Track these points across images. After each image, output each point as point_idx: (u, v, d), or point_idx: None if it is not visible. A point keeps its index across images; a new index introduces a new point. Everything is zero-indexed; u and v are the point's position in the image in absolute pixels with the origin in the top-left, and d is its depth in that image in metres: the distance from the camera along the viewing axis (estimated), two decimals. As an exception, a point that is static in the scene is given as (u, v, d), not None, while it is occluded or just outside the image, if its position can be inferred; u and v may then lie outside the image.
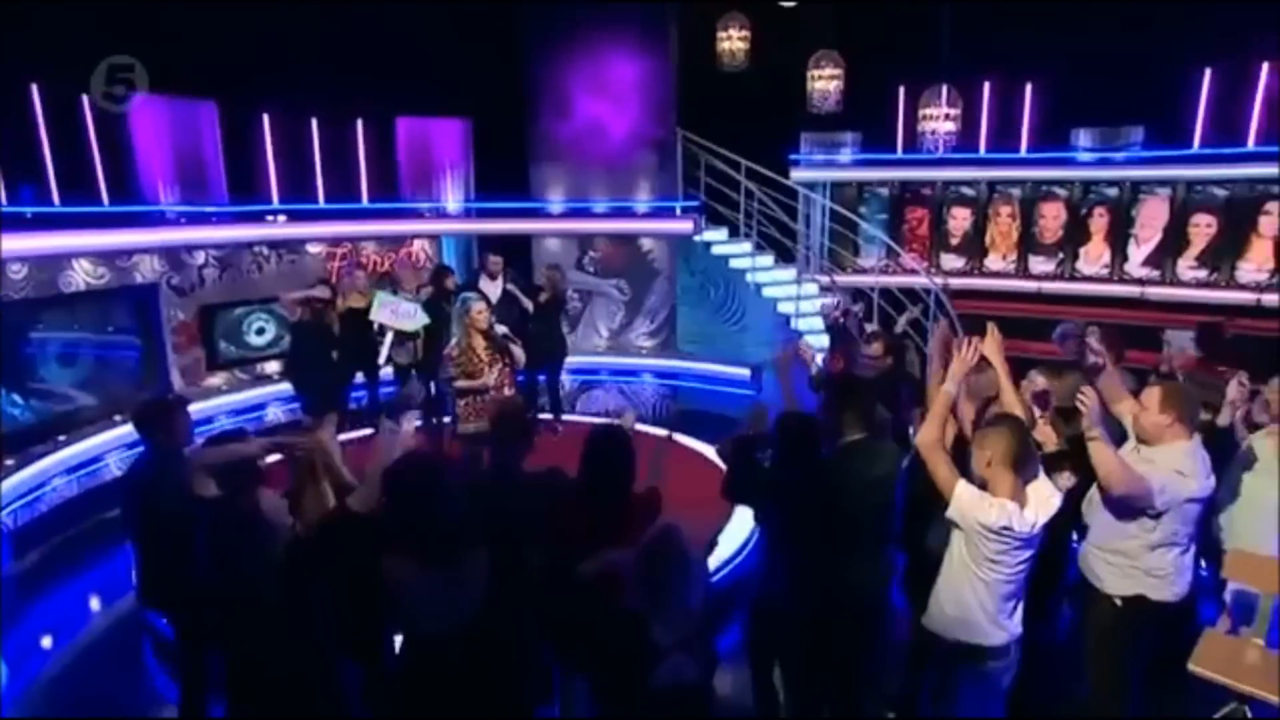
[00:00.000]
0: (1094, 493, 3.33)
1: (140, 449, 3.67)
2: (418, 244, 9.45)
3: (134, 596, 4.77)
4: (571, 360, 7.85)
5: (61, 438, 6.57)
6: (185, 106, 7.41)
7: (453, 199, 9.44)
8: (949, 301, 8.17)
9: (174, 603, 3.58)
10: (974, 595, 2.86)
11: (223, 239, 7.81)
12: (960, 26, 9.43)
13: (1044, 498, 2.86)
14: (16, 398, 6.46)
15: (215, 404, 7.58)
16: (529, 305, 7.28)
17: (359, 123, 8.80)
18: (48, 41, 6.14)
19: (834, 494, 3.10)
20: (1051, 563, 3.39)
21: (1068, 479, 3.42)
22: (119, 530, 5.43)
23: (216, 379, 7.99)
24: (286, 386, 7.25)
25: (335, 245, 8.75)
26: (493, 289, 7.30)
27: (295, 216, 8.27)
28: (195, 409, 4.09)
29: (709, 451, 6.04)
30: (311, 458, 3.06)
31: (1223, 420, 4.01)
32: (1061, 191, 9.30)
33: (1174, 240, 8.80)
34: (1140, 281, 8.99)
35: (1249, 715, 3.33)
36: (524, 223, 9.38)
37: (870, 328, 6.68)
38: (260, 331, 8.29)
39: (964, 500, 2.82)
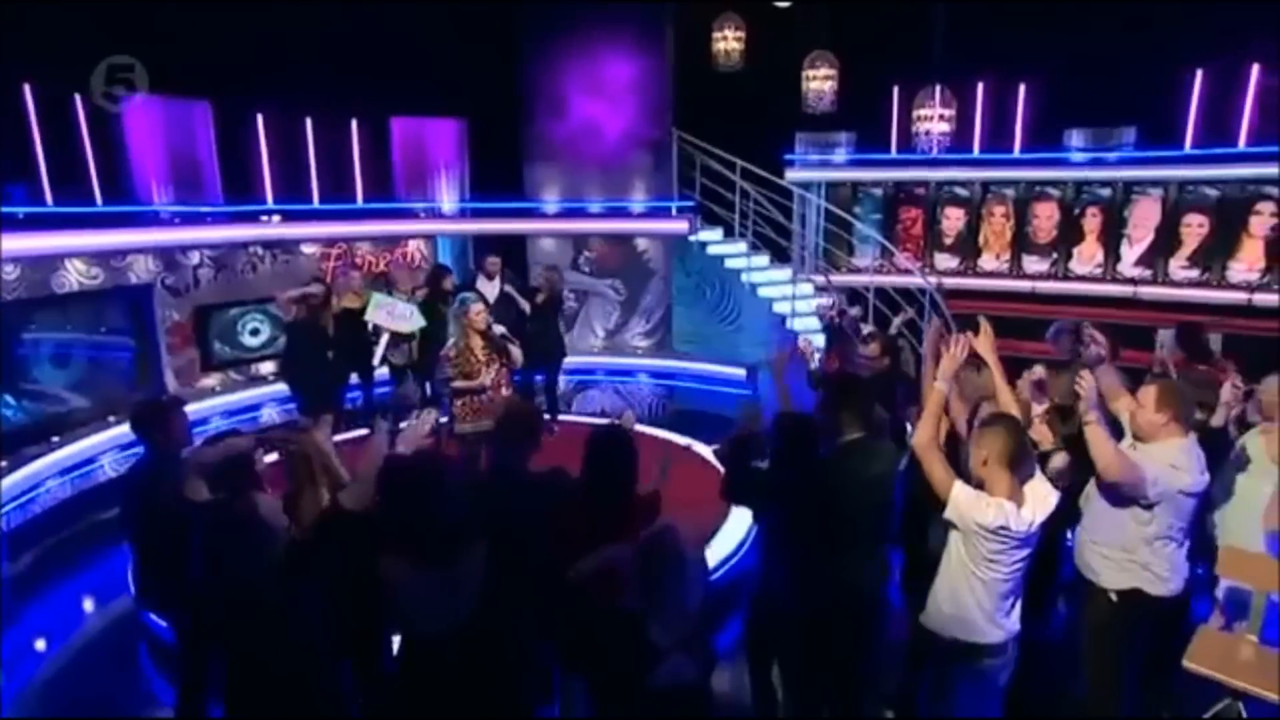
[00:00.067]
0: (1090, 488, 3.35)
1: (137, 451, 3.66)
2: (413, 244, 9.43)
3: (129, 598, 4.77)
4: (567, 360, 7.85)
5: (55, 439, 6.53)
6: (179, 106, 7.37)
7: (448, 199, 9.42)
8: (943, 301, 8.21)
9: (173, 604, 3.56)
10: (971, 594, 2.87)
11: (217, 239, 7.77)
12: (954, 27, 9.48)
13: (1041, 496, 2.87)
14: (9, 399, 6.42)
15: (210, 405, 7.55)
16: (526, 306, 7.28)
17: (354, 123, 8.78)
18: (41, 41, 6.11)
19: (832, 493, 3.10)
20: (1047, 560, 3.42)
21: (1062, 459, 3.44)
22: (113, 532, 5.45)
23: (211, 380, 7.95)
24: (282, 387, 7.23)
25: (330, 245, 8.72)
26: (490, 289, 7.30)
27: (290, 217, 8.23)
28: (190, 410, 4.06)
29: (706, 451, 6.05)
30: (309, 459, 3.05)
31: (1217, 420, 4.04)
32: (1055, 192, 9.35)
33: (1166, 240, 8.86)
34: (1133, 281, 9.04)
35: (1243, 711, 3.36)
36: (519, 223, 9.37)
37: (866, 328, 6.70)
38: (255, 332, 8.26)
39: (961, 501, 2.83)
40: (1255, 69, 8.06)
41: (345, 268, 8.06)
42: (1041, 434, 3.54)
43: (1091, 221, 9.22)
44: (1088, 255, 9.31)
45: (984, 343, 3.41)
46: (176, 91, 7.19)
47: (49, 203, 6.53)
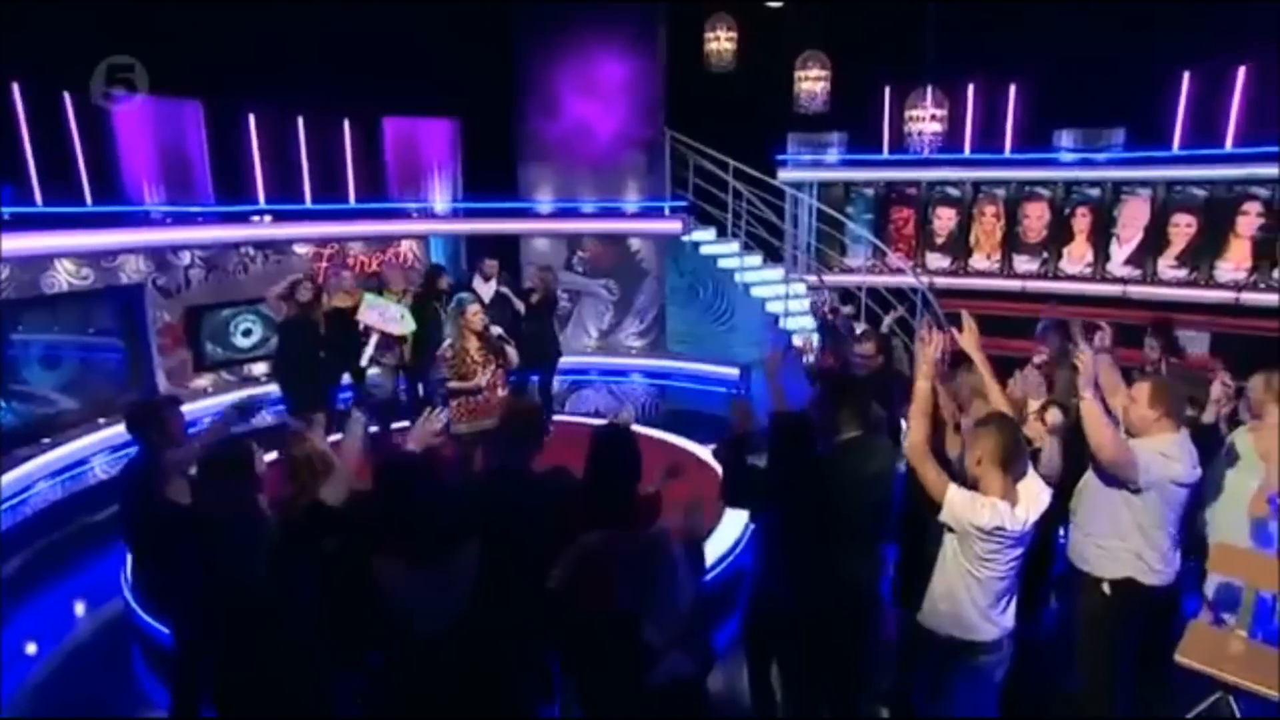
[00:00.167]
0: (1083, 483, 3.38)
1: (128, 452, 3.64)
2: (405, 244, 9.40)
3: (121, 600, 4.74)
4: (561, 361, 7.84)
5: (45, 440, 6.49)
6: (170, 105, 7.34)
7: (440, 199, 9.41)
8: (935, 300, 8.25)
9: (168, 604, 3.55)
10: (967, 592, 2.88)
11: (208, 239, 7.73)
12: (945, 28, 9.53)
13: (1034, 495, 2.88)
14: (-1, 400, 6.39)
15: (202, 406, 7.49)
16: (520, 306, 7.27)
17: (346, 122, 8.75)
18: (31, 40, 6.06)
19: (830, 491, 3.10)
20: (1041, 556, 3.45)
21: (1055, 414, 3.45)
22: (105, 534, 5.42)
23: (203, 380, 7.91)
24: (274, 388, 7.19)
25: (322, 246, 8.68)
26: (485, 290, 7.28)
27: (281, 217, 8.19)
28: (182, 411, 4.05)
29: (702, 451, 6.07)
30: (310, 461, 3.04)
31: (1207, 418, 4.09)
32: (1045, 192, 9.41)
33: (1155, 240, 8.94)
34: (1122, 280, 9.12)
35: (1234, 705, 3.40)
36: (512, 223, 9.37)
37: (860, 327, 6.73)
38: (247, 333, 8.23)
39: (956, 504, 2.84)
40: (1241, 71, 8.14)
41: (337, 268, 8.02)
42: (1035, 431, 3.56)
43: (1081, 221, 9.30)
44: (1077, 255, 9.38)
45: (969, 339, 3.43)
46: (167, 90, 7.15)
47: (38, 202, 6.49)
